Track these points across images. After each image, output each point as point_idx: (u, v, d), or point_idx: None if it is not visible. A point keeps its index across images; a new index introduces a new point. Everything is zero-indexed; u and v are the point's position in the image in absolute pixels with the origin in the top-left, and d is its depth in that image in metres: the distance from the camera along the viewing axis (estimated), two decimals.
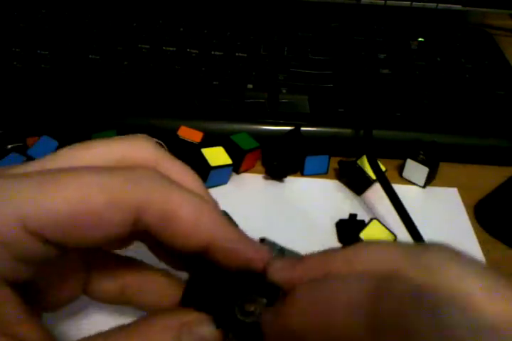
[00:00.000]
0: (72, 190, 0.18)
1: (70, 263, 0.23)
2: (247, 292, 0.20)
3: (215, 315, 0.20)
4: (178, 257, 0.23)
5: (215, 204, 0.23)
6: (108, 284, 0.23)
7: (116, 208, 0.18)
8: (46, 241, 0.18)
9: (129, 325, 0.20)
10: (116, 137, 0.22)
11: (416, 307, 0.16)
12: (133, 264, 0.24)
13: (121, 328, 0.20)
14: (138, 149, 0.22)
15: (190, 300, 0.21)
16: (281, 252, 0.23)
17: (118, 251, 0.25)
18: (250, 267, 0.20)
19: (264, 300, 0.20)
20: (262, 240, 0.23)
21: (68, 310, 0.29)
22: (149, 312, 0.23)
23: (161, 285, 0.24)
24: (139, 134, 0.23)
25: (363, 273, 0.18)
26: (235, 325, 0.20)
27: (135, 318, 0.21)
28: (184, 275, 0.24)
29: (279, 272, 0.20)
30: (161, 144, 0.41)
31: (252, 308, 0.20)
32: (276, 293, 0.20)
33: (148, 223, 0.19)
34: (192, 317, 0.20)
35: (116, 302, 0.24)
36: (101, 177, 0.19)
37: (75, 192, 0.18)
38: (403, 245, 0.20)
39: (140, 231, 0.20)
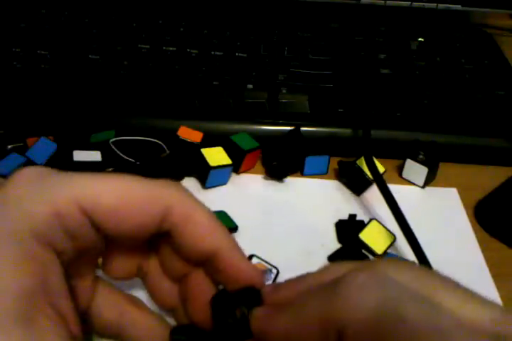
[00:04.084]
0: (119, 184, 0.22)
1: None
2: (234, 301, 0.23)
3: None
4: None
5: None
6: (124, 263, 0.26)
7: (152, 203, 0.22)
8: (92, 223, 0.21)
9: None
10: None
11: None
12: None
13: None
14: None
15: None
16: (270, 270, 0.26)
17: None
18: (250, 285, 0.23)
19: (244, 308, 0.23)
20: (251, 257, 0.26)
21: None
22: None
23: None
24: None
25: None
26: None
27: None
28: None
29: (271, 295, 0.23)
30: (160, 144, 0.41)
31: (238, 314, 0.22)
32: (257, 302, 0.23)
33: (171, 221, 0.23)
34: None
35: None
36: (140, 179, 0.23)
37: (121, 186, 0.22)
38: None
39: (162, 233, 0.23)
